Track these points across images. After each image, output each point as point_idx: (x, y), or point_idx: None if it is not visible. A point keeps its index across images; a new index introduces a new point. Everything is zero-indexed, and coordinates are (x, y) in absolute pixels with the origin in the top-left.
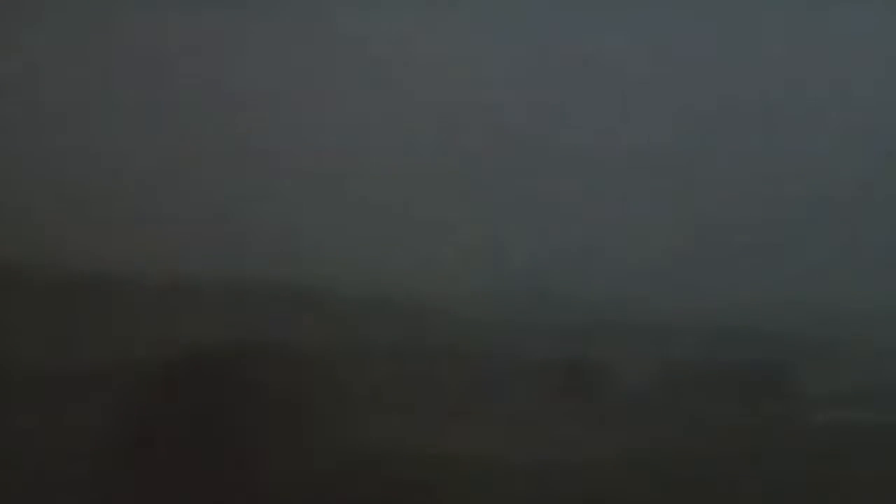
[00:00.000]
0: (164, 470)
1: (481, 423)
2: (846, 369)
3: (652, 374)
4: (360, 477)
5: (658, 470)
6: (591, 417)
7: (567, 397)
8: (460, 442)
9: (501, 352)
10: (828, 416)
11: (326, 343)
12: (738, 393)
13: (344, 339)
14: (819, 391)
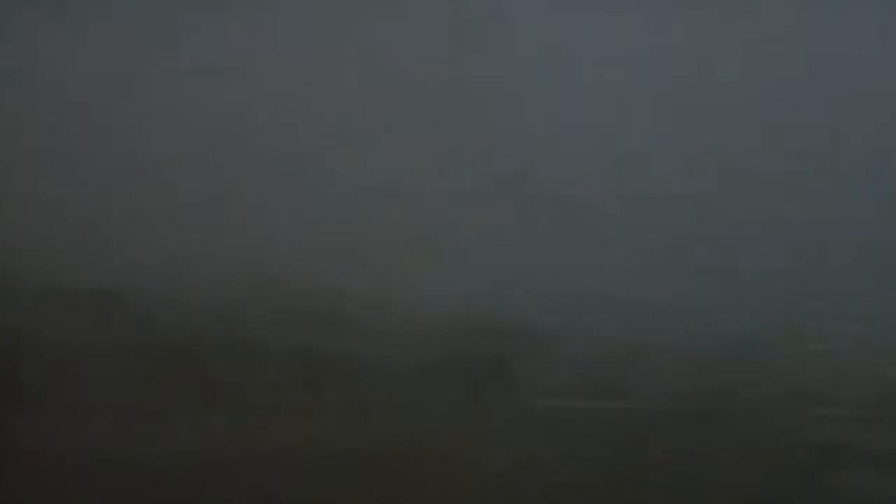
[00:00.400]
0: None
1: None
2: (568, 361)
3: (380, 367)
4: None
5: (380, 464)
6: (318, 411)
7: (294, 390)
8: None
9: (225, 342)
10: (547, 403)
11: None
12: (464, 385)
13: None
14: (542, 382)
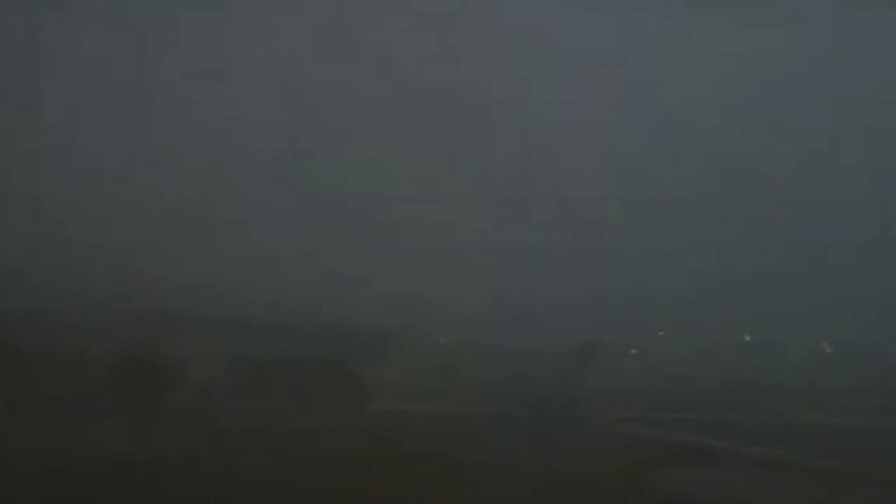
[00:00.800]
0: None
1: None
2: (403, 363)
3: (218, 368)
4: None
5: (188, 470)
6: (153, 414)
7: (134, 392)
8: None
9: (66, 346)
10: (386, 406)
11: None
12: (304, 387)
13: None
14: (379, 383)
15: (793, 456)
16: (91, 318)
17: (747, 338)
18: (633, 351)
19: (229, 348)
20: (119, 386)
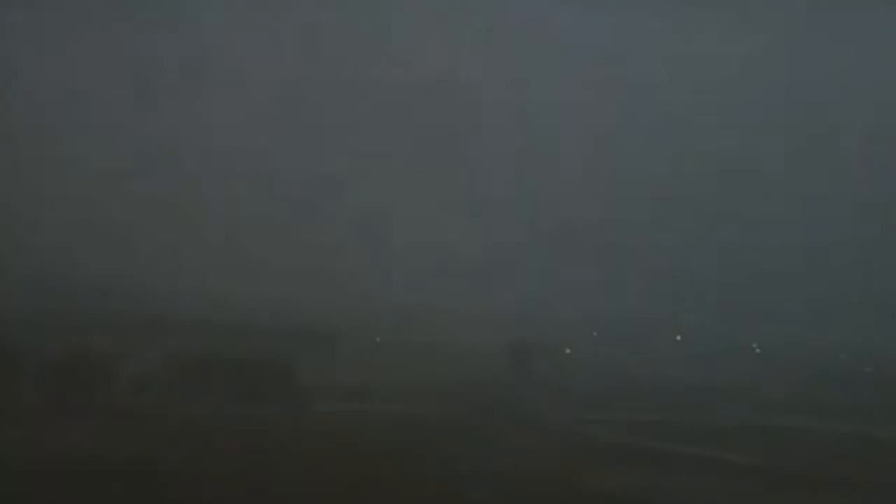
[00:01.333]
0: None
1: None
2: (345, 365)
3: (153, 367)
4: None
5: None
6: (85, 414)
7: (67, 392)
8: None
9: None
10: (328, 407)
11: None
12: (243, 387)
13: None
14: (319, 385)
15: (732, 456)
16: (29, 318)
17: (678, 338)
18: (568, 351)
19: (171, 346)
20: (55, 385)
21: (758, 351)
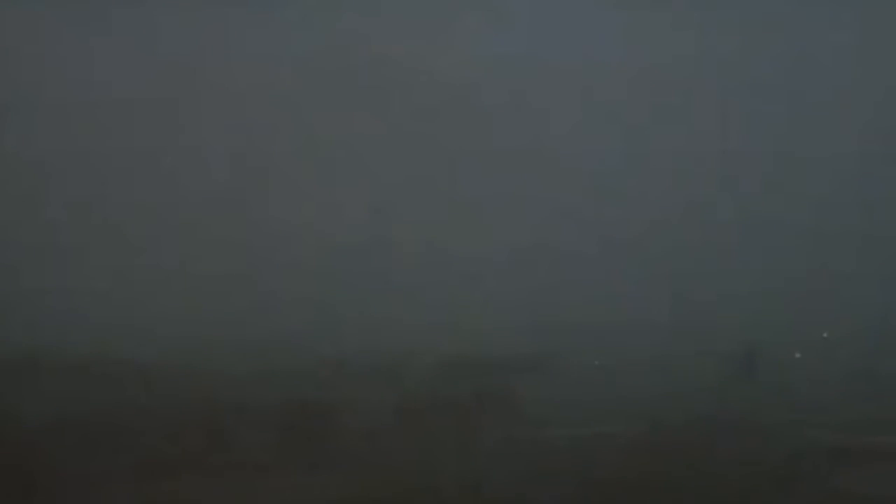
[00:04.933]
0: None
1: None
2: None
3: (385, 409)
4: None
5: None
6: (322, 460)
7: (297, 441)
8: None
9: (226, 398)
10: (549, 433)
11: None
12: (466, 418)
13: None
14: (538, 411)
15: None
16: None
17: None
18: (798, 355)
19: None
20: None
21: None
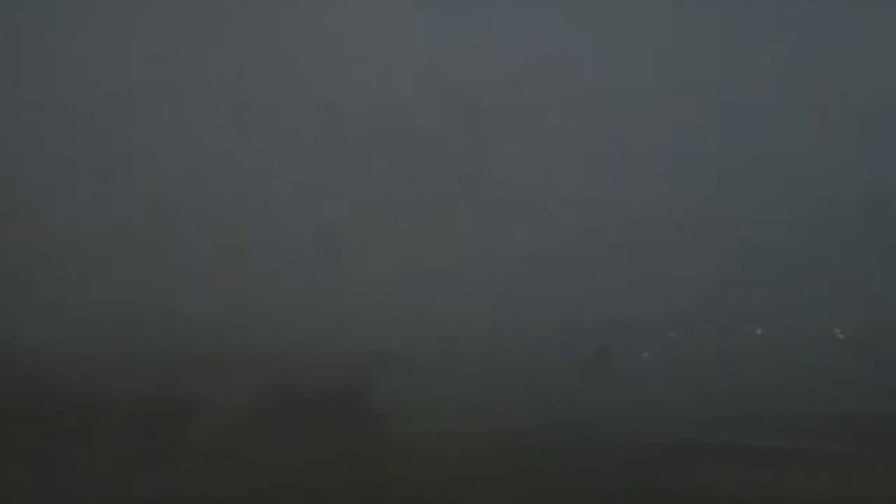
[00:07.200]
0: None
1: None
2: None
3: (239, 404)
4: None
5: None
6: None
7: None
8: None
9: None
10: (406, 428)
11: None
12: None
13: None
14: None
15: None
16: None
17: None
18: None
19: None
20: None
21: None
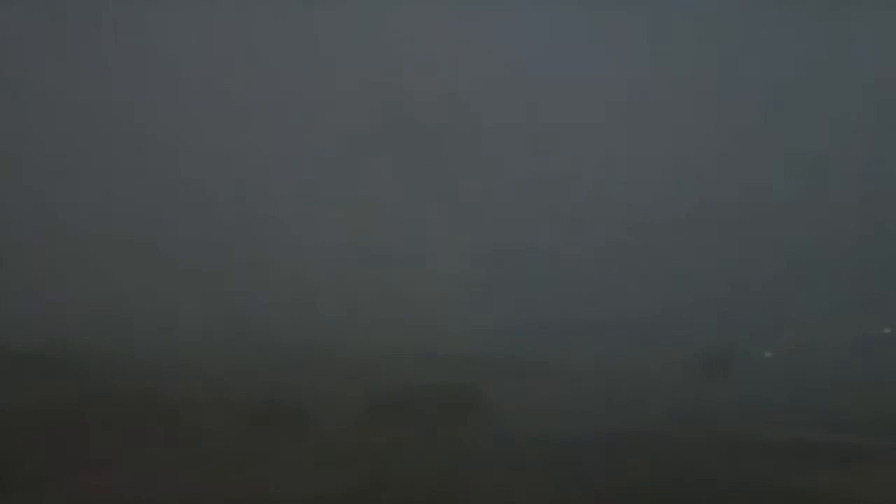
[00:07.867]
0: None
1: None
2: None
3: (358, 403)
4: None
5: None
6: (299, 455)
7: (273, 435)
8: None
9: (203, 394)
10: (519, 430)
11: None
12: (438, 414)
13: None
14: (509, 408)
15: None
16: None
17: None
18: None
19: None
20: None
21: None
